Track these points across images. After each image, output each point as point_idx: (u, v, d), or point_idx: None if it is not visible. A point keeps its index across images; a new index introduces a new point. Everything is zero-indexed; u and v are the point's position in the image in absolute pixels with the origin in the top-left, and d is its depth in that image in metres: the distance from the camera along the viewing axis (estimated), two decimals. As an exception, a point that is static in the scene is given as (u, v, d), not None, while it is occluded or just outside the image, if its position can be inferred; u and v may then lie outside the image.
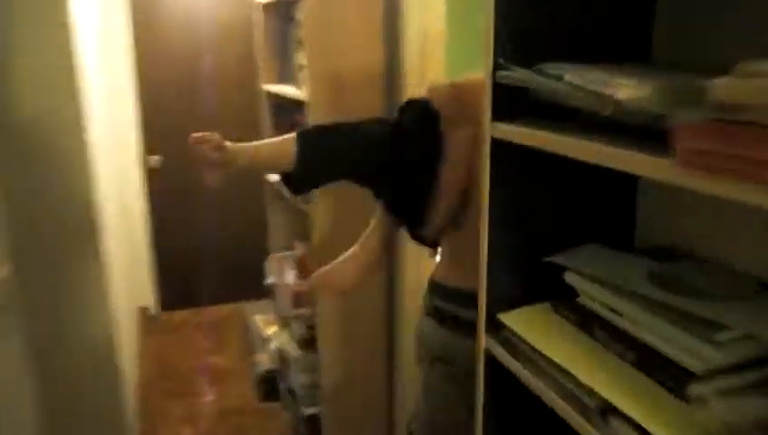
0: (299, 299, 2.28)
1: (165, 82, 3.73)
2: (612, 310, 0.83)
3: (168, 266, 3.97)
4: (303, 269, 2.35)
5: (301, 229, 2.68)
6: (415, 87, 2.09)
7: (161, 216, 3.89)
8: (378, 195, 1.55)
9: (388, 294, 2.31)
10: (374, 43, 2.11)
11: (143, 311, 3.94)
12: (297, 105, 2.30)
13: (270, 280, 2.46)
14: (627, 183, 1.03)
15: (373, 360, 2.33)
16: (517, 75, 0.81)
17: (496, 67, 0.85)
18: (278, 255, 2.56)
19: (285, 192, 2.44)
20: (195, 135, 1.35)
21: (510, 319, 0.93)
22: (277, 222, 2.78)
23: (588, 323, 0.87)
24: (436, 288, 1.49)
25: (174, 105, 3.75)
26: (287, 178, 1.45)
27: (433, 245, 1.58)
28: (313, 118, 2.08)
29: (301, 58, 2.27)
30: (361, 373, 2.31)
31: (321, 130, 1.49)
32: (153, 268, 3.95)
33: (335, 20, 2.03)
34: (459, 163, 1.36)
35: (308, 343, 2.41)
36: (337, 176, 1.51)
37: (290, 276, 2.44)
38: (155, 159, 3.76)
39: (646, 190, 1.02)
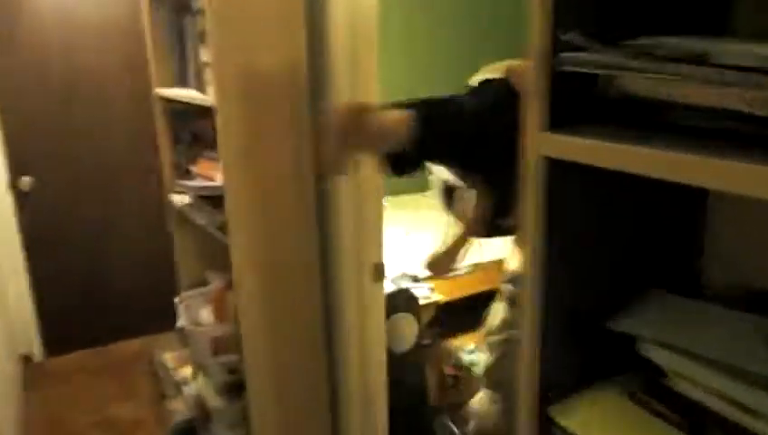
0: (219, 345, 1.91)
1: (31, 91, 3.16)
2: (734, 402, 0.57)
3: (53, 303, 3.40)
4: (220, 310, 1.98)
5: (213, 257, 2.30)
6: (346, 91, 1.77)
7: (39, 245, 3.32)
8: (476, 176, 1.49)
9: (326, 341, 1.99)
10: (294, 40, 1.77)
11: (25, 359, 3.36)
12: (201, 112, 1.92)
13: (182, 323, 2.07)
14: (690, 204, 0.77)
15: (314, 410, 2.00)
16: (601, 59, 0.53)
17: (557, 47, 0.56)
18: (189, 293, 2.16)
19: (195, 215, 2.06)
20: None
21: (569, 415, 0.65)
22: (186, 249, 2.37)
23: (697, 423, 0.60)
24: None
25: (44, 118, 3.20)
26: (393, 158, 1.33)
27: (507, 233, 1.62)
28: (224, 127, 1.71)
29: (204, 55, 1.89)
30: (300, 428, 1.98)
31: (431, 105, 1.35)
32: (34, 306, 3.37)
33: (247, 10, 1.67)
34: None
35: (232, 389, 2.04)
36: (447, 155, 1.44)
37: (206, 316, 2.05)
38: (26, 181, 3.20)
39: (723, 214, 0.77)
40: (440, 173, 1.64)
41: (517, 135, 1.33)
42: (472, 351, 3.35)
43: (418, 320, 2.29)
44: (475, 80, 1.70)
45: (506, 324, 1.85)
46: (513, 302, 1.86)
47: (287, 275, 1.90)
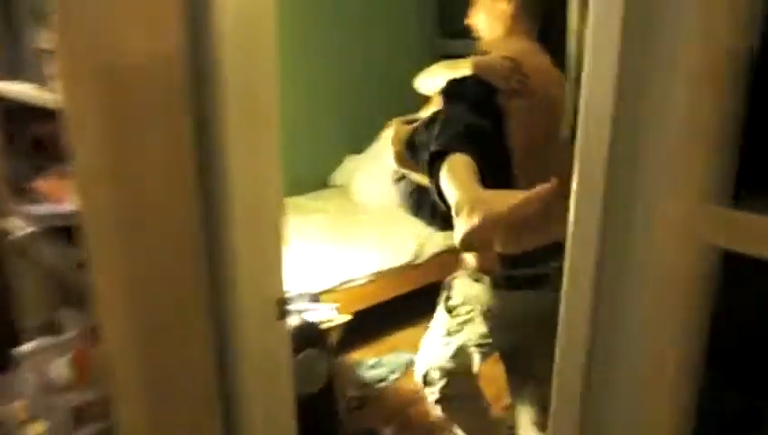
0: (84, 413, 1.48)
1: None
2: None
3: None
4: (81, 366, 1.54)
5: (68, 293, 1.83)
6: (238, 89, 1.41)
7: None
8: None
9: (224, 397, 1.63)
10: (169, 23, 1.38)
11: None
12: (46, 114, 1.46)
13: (24, 384, 1.59)
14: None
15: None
16: None
17: None
18: (35, 343, 1.67)
19: (41, 251, 1.60)
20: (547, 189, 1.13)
21: None
22: (29, 287, 1.88)
23: None
24: (505, 261, 1.62)
25: None
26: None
27: None
28: (77, 134, 1.30)
29: (43, 40, 1.44)
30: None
31: (477, 140, 1.42)
32: None
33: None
34: (519, 128, 1.52)
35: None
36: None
37: (60, 372, 1.60)
38: None
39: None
40: (416, 178, 1.67)
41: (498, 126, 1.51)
42: (373, 365, 3.10)
43: (328, 354, 1.99)
44: (427, 80, 1.67)
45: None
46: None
47: (170, 319, 1.51)
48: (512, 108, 1.52)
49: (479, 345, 1.75)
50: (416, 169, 1.60)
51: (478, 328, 1.73)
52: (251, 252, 1.53)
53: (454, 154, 1.34)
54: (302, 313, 2.22)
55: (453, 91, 1.52)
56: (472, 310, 1.73)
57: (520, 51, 1.61)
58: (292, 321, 1.90)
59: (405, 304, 3.42)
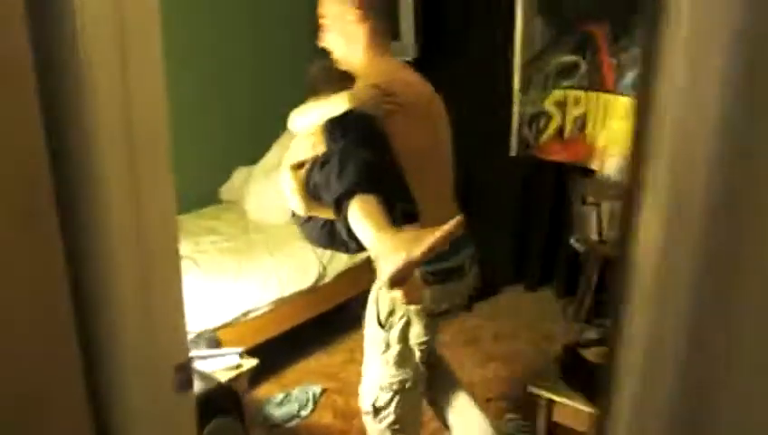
0: None
1: None
2: None
3: None
4: None
5: None
6: (113, 98, 1.06)
7: None
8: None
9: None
10: (7, 20, 1.00)
11: None
12: None
13: None
14: None
15: None
16: None
17: None
18: None
19: None
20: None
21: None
22: None
23: None
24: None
25: None
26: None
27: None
28: None
29: None
30: None
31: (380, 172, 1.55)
32: None
33: None
34: (404, 143, 1.64)
35: None
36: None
37: None
38: None
39: None
40: (324, 215, 1.70)
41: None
42: (281, 402, 2.79)
43: (242, 419, 1.67)
44: (301, 120, 1.71)
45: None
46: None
47: (33, 406, 1.14)
48: (392, 129, 1.63)
49: (420, 343, 1.81)
50: (321, 209, 1.68)
51: (415, 328, 1.78)
52: (140, 304, 1.19)
53: (359, 195, 1.44)
54: (203, 359, 1.88)
55: (336, 128, 1.59)
56: (404, 314, 1.77)
57: (385, 72, 1.74)
58: (197, 386, 1.56)
59: (309, 328, 3.16)
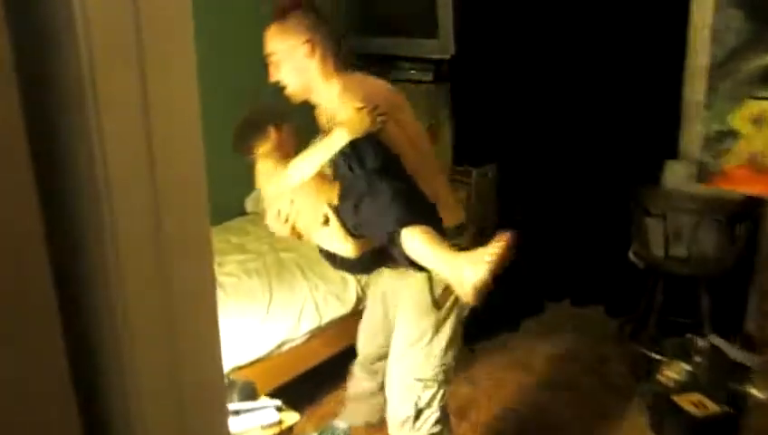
0: None
1: None
2: None
3: None
4: None
5: None
6: (134, 103, 0.77)
7: None
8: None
9: None
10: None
11: None
12: None
13: None
14: None
15: None
16: None
17: None
18: None
19: None
20: None
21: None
22: None
23: None
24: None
25: None
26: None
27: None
28: None
29: None
30: None
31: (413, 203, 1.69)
32: None
33: None
34: (402, 147, 1.77)
35: None
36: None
37: None
38: None
39: None
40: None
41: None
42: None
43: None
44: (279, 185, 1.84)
45: None
46: None
47: None
48: (388, 137, 1.73)
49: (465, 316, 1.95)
50: (366, 242, 1.77)
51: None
52: (168, 358, 0.90)
53: (411, 228, 1.57)
54: (236, 415, 1.60)
55: (351, 159, 1.68)
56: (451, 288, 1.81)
57: (352, 89, 1.76)
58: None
59: (345, 355, 2.87)
